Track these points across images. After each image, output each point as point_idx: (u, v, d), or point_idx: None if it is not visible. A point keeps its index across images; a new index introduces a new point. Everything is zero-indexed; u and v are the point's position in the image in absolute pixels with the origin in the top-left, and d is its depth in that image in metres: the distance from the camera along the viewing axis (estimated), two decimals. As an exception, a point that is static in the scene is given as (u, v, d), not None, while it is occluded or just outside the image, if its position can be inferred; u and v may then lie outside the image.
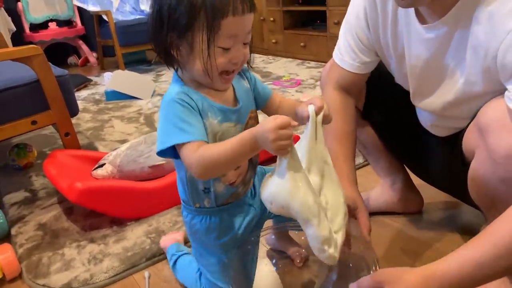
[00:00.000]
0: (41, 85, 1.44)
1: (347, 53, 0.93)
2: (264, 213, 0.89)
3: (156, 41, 0.73)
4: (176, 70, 0.76)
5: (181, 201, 0.87)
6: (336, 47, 0.97)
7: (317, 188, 0.70)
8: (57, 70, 1.52)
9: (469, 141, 0.80)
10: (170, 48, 0.72)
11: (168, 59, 0.74)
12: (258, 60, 3.52)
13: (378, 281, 0.66)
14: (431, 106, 0.87)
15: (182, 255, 1.00)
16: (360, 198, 0.88)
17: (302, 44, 3.36)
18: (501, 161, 0.69)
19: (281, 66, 3.21)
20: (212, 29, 0.67)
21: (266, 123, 0.64)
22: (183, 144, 0.69)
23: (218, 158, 0.67)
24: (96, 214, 1.30)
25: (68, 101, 1.52)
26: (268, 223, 0.96)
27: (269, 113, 0.85)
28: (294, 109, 0.76)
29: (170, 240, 1.08)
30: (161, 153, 0.73)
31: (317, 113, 0.69)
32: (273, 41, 3.66)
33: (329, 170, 0.73)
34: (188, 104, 0.72)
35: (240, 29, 0.70)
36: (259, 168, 0.90)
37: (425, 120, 0.94)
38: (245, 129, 0.77)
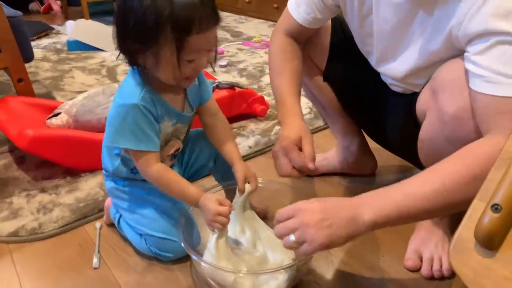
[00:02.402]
0: (-10, 26, 1.35)
1: (304, 4, 0.93)
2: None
3: (121, 48, 0.76)
4: (140, 67, 0.78)
5: (104, 171, 0.96)
6: None
7: (252, 240, 0.89)
8: (9, 11, 1.43)
9: (422, 102, 0.81)
10: (135, 56, 0.76)
11: (132, 62, 0.78)
12: (230, 19, 3.43)
13: (296, 209, 0.69)
14: (392, 72, 0.87)
15: (122, 218, 0.98)
16: (304, 128, 0.87)
17: (275, 5, 3.29)
18: (449, 121, 0.70)
19: (252, 27, 3.15)
20: (178, 46, 0.71)
21: (211, 203, 0.79)
22: (137, 151, 0.80)
23: (168, 187, 0.84)
24: (49, 164, 1.26)
25: (22, 45, 1.43)
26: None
27: (200, 115, 0.94)
28: (231, 159, 0.90)
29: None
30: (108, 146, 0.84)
31: (250, 192, 0.87)
32: (246, 0, 3.57)
33: (258, 222, 0.93)
34: (150, 112, 0.78)
35: (204, 44, 0.74)
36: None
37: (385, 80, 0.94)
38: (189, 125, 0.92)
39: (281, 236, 0.70)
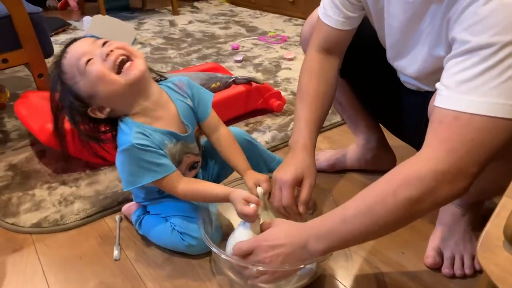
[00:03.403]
0: (12, 21, 1.37)
1: (331, 8, 0.90)
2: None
3: (87, 131, 0.87)
4: (120, 120, 0.84)
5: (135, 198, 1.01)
6: (321, 4, 0.94)
7: None
8: (30, 7, 1.45)
9: (430, 109, 0.79)
10: (95, 118, 0.85)
11: (111, 125, 0.88)
12: (245, 14, 3.42)
13: (254, 246, 0.75)
14: (405, 70, 0.86)
15: (145, 216, 0.99)
16: (310, 167, 0.88)
17: (290, 0, 3.27)
18: None
19: (267, 22, 3.13)
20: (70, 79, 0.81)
21: (237, 204, 0.81)
22: (158, 179, 0.83)
23: (197, 197, 0.87)
24: (69, 158, 1.28)
25: (42, 40, 1.45)
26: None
27: (203, 130, 0.97)
28: (239, 170, 0.94)
29: (134, 205, 1.04)
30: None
31: (264, 194, 0.88)
32: (262, -5, 3.56)
33: None
34: (148, 145, 0.81)
35: (75, 49, 0.81)
36: None
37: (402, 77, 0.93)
38: (197, 141, 0.95)
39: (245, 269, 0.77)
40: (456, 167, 0.60)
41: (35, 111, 1.32)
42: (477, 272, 0.86)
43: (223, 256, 0.79)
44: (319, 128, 0.95)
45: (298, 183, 0.86)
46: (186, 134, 0.90)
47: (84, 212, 1.07)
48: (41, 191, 1.16)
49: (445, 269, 0.86)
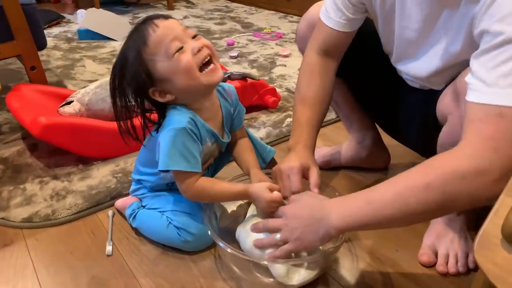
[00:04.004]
0: (4, 12, 1.34)
1: (333, 10, 0.90)
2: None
3: (142, 107, 0.84)
4: (174, 107, 0.85)
5: (136, 183, 1.01)
6: (323, 6, 0.93)
7: None
8: (23, -2, 1.42)
9: (443, 105, 0.79)
10: (155, 99, 0.83)
11: (160, 110, 0.86)
12: (240, 10, 3.41)
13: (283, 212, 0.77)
14: (414, 72, 0.86)
15: (140, 210, 0.98)
16: (313, 160, 0.90)
17: (286, -3, 3.26)
18: None
19: (263, 18, 3.12)
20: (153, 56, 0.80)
21: (263, 192, 0.83)
22: (184, 172, 0.82)
23: (211, 196, 0.86)
24: (61, 152, 1.27)
25: (35, 32, 1.43)
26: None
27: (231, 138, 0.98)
28: (247, 167, 0.94)
29: (130, 199, 1.02)
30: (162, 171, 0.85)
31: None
32: (258, -9, 3.54)
33: None
34: (195, 134, 0.83)
35: (169, 31, 0.79)
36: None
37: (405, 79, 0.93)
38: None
39: (270, 230, 0.78)
40: (500, 167, 0.58)
41: (27, 104, 1.30)
42: (471, 270, 0.86)
43: (229, 251, 0.79)
44: (318, 130, 0.95)
45: (304, 170, 0.86)
46: (224, 140, 0.93)
47: (76, 207, 1.06)
48: (33, 185, 1.15)
49: (439, 267, 0.86)
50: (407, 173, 0.66)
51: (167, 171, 0.84)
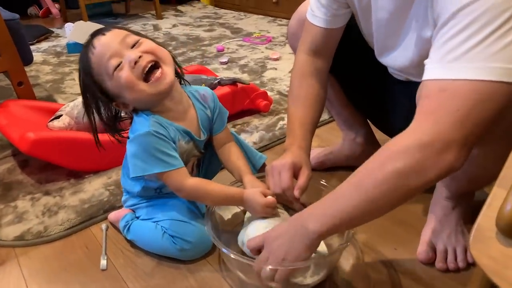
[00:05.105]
0: (-12, 29, 1.33)
1: (318, 8, 0.90)
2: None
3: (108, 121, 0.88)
4: (136, 113, 0.86)
5: (126, 193, 1.01)
6: (308, 7, 0.93)
7: None
8: (6, 14, 1.41)
9: (417, 97, 0.78)
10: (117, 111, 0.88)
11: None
12: (229, 16, 3.40)
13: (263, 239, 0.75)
14: (394, 63, 0.85)
15: (134, 221, 0.97)
16: (307, 162, 0.89)
17: (274, 0, 3.26)
18: None
19: (252, 23, 3.12)
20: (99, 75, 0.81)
21: (257, 197, 0.83)
22: (167, 172, 0.82)
23: (205, 195, 0.85)
24: (52, 167, 1.25)
25: (21, 47, 1.42)
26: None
27: (215, 142, 0.97)
28: (239, 173, 0.93)
29: (123, 211, 1.01)
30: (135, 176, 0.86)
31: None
32: (245, -3, 3.54)
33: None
34: (163, 135, 0.82)
35: (105, 49, 0.79)
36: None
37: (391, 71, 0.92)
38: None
39: (259, 268, 0.73)
40: (441, 138, 0.58)
41: (15, 121, 1.28)
42: (471, 265, 0.85)
43: (232, 256, 0.77)
44: (314, 130, 0.94)
45: (295, 169, 0.85)
46: (200, 139, 0.92)
47: (69, 222, 1.04)
48: (24, 202, 1.13)
49: (439, 263, 0.85)
50: (365, 163, 0.67)
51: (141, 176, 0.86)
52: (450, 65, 0.58)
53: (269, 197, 0.83)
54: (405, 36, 0.79)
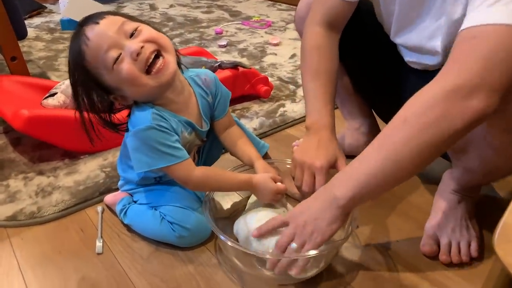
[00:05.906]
0: (-19, 0, 1.28)
1: None
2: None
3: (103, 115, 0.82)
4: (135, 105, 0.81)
5: (123, 180, 0.97)
6: None
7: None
8: (0, -15, 1.35)
9: None
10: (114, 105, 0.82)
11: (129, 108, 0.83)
12: (228, -2, 3.34)
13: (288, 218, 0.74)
14: (412, 41, 0.83)
15: (132, 205, 0.94)
16: (338, 146, 0.87)
17: (275, -16, 3.20)
18: None
19: (251, 6, 3.06)
20: (96, 65, 0.74)
21: (268, 183, 0.83)
22: (173, 165, 0.78)
23: (218, 184, 0.84)
24: (46, 146, 1.21)
25: (14, 21, 1.36)
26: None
27: (217, 128, 0.94)
28: (250, 158, 0.91)
29: (120, 194, 0.98)
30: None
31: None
32: (245, -21, 3.47)
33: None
34: (166, 128, 0.78)
35: (103, 40, 0.72)
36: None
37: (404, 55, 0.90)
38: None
39: (285, 245, 0.72)
40: (466, 85, 0.56)
41: (8, 97, 1.24)
42: (473, 259, 0.84)
43: (229, 244, 0.76)
44: (334, 105, 0.92)
45: (332, 167, 0.84)
46: (203, 129, 0.89)
47: (63, 203, 1.01)
48: (16, 181, 1.09)
49: (442, 256, 0.84)
50: (388, 123, 0.66)
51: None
52: (486, 9, 0.56)
53: (279, 183, 0.83)
54: (428, 10, 0.77)
